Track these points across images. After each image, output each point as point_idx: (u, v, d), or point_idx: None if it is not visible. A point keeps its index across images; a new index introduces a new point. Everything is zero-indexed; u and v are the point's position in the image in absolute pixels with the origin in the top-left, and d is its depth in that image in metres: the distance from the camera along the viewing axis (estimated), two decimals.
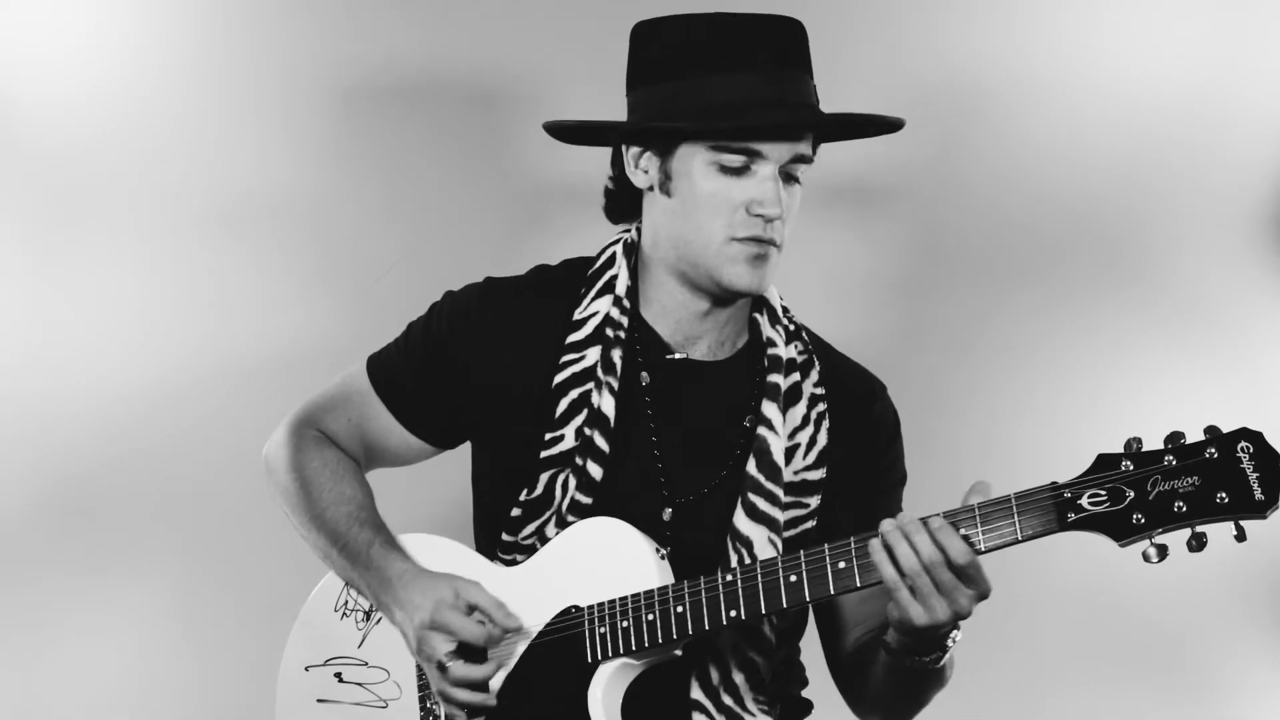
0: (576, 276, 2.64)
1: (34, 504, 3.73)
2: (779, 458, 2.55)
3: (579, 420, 2.56)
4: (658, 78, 2.53)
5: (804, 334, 2.66)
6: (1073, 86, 3.73)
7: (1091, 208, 3.73)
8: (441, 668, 2.47)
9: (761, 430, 2.56)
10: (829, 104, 2.58)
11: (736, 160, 2.48)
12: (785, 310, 2.66)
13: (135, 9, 3.75)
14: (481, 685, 2.49)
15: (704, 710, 2.54)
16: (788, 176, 2.50)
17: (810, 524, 2.59)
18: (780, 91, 2.48)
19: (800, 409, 2.60)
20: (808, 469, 2.59)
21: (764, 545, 2.52)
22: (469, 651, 2.50)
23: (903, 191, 3.73)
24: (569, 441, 2.56)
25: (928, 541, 2.25)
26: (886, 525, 2.28)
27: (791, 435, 2.58)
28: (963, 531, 2.26)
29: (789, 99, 2.48)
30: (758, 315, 2.63)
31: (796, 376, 2.61)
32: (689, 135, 2.49)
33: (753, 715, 2.56)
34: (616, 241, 2.66)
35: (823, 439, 2.60)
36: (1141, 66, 3.71)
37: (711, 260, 2.51)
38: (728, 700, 2.55)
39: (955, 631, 2.34)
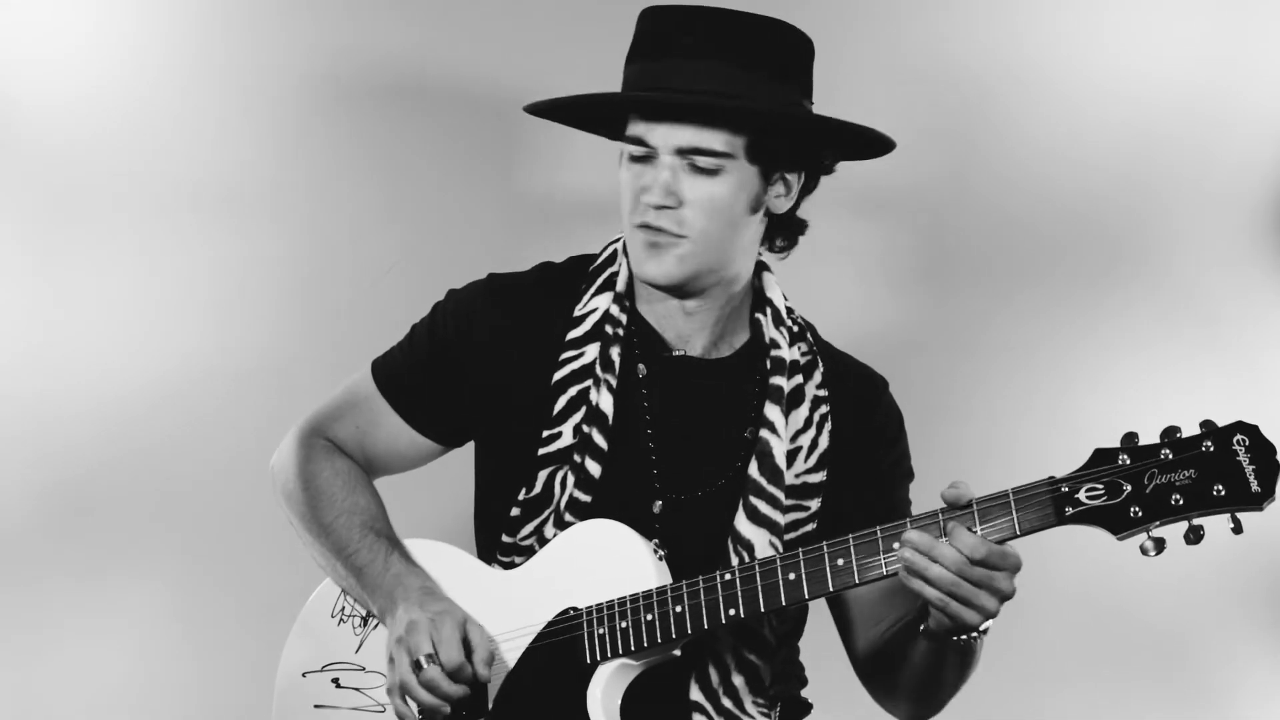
0: (579, 273, 2.64)
1: (34, 504, 3.73)
2: (781, 461, 2.54)
3: (577, 417, 2.55)
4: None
5: (809, 335, 2.65)
6: (1073, 86, 3.72)
7: (1091, 208, 3.73)
8: (418, 665, 2.43)
9: (764, 433, 2.55)
10: (829, 105, 2.57)
11: (637, 150, 2.50)
12: (790, 311, 2.65)
13: (135, 9, 3.75)
14: (446, 699, 2.44)
15: (703, 711, 2.53)
16: (695, 168, 2.49)
17: (810, 527, 2.58)
18: (664, 75, 2.49)
19: (803, 411, 2.59)
20: (808, 472, 2.59)
21: (765, 548, 2.51)
22: None
23: (902, 191, 3.73)
24: (567, 439, 2.55)
25: (948, 550, 2.25)
26: (908, 554, 2.26)
27: (793, 438, 2.58)
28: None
29: (672, 83, 2.48)
30: (760, 315, 2.63)
31: (799, 379, 2.60)
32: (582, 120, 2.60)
33: (751, 718, 2.56)
34: (618, 239, 2.65)
35: (824, 442, 2.60)
36: (1141, 66, 3.71)
37: (628, 250, 2.55)
38: (727, 703, 2.54)
39: None
